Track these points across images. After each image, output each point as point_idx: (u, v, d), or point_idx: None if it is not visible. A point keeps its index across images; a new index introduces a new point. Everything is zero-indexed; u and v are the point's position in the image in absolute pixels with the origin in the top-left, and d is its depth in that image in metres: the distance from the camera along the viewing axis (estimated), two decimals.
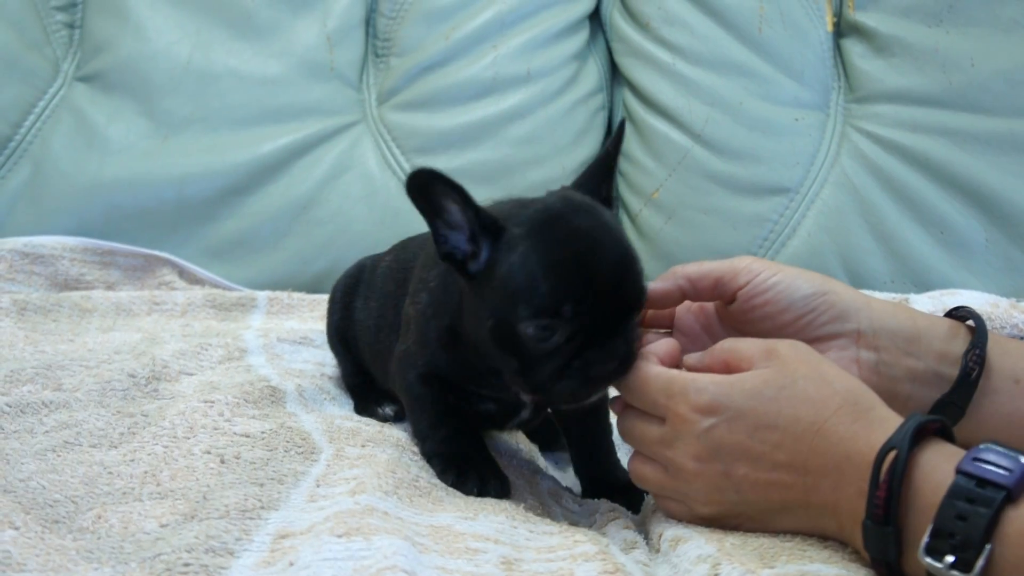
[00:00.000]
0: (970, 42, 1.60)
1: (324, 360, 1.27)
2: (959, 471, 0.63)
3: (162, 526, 0.74)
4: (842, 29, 1.72)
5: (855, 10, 1.69)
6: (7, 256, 1.48)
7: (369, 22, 1.82)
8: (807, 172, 1.64)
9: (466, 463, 0.92)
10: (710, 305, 0.94)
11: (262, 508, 0.77)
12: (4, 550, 0.66)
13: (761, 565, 0.67)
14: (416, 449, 0.97)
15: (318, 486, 0.82)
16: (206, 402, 1.00)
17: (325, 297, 1.53)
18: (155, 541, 0.70)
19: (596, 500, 0.99)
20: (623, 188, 1.76)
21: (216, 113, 1.70)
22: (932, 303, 1.37)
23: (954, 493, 0.62)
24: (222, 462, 0.88)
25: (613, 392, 0.86)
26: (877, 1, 1.67)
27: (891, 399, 0.76)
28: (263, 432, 0.95)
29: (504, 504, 0.86)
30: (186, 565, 0.66)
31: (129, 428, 0.95)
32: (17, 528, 0.70)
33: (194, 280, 1.59)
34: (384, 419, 1.09)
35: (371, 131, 1.74)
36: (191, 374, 1.14)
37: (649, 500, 0.92)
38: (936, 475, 0.64)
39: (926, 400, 0.88)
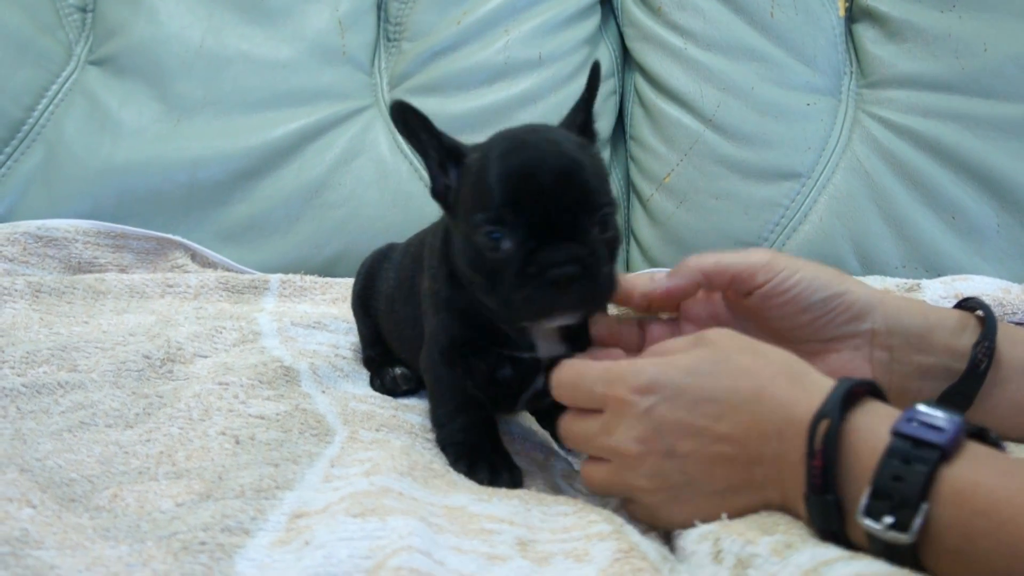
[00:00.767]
0: (983, 27, 1.60)
1: (337, 343, 1.27)
2: (894, 432, 0.63)
3: (178, 505, 0.75)
4: (854, 14, 1.71)
5: None
6: (21, 239, 1.48)
7: (381, 6, 1.82)
8: (819, 157, 1.64)
9: (479, 454, 0.93)
10: (718, 292, 0.94)
11: (277, 488, 0.77)
12: (22, 528, 0.67)
13: (761, 534, 0.68)
14: (430, 436, 0.98)
15: (333, 467, 0.82)
16: (221, 384, 1.01)
17: (337, 280, 1.54)
18: (171, 520, 0.71)
19: None
20: (635, 173, 1.76)
21: (228, 97, 1.70)
22: (944, 288, 1.37)
23: (890, 454, 0.63)
24: (237, 443, 0.88)
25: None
26: None
27: (902, 395, 0.76)
28: (277, 414, 0.96)
29: (518, 489, 0.87)
30: (202, 543, 0.66)
31: (144, 409, 0.96)
32: (34, 506, 0.71)
33: (206, 263, 1.60)
34: (394, 384, 1.13)
35: (383, 115, 1.74)
36: (205, 356, 1.15)
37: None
38: (872, 439, 0.65)
39: (935, 394, 0.88)
